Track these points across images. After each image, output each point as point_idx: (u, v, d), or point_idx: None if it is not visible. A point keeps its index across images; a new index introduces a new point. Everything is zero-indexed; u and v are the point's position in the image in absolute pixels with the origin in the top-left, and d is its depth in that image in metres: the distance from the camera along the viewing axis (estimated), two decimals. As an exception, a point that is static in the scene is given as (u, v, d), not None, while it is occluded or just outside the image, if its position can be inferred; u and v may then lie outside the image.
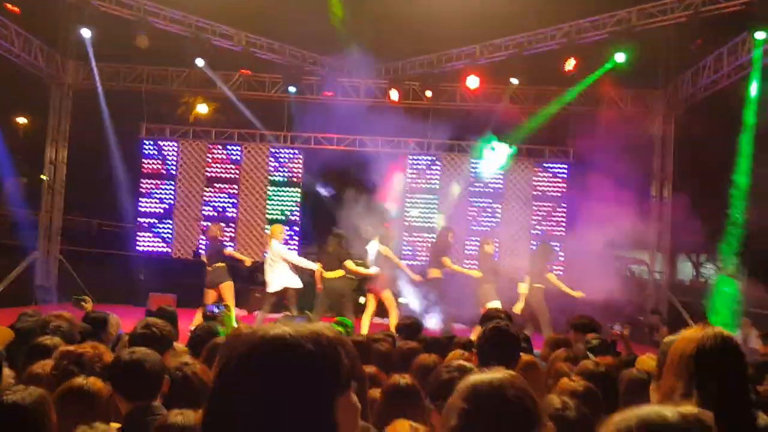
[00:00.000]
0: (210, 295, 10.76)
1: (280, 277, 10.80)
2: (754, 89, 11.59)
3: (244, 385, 1.19)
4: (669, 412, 1.30)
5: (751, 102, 11.69)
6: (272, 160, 15.52)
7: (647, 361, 4.23)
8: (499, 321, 3.27)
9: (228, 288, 10.80)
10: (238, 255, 12.16)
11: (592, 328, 5.61)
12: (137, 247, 15.53)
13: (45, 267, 15.13)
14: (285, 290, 10.80)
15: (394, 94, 14.75)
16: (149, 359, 3.28)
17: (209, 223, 12.21)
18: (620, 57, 12.67)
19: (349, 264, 10.63)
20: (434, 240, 11.43)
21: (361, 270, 10.67)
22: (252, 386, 1.18)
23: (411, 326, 5.83)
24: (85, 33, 12.70)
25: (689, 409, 1.34)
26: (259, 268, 14.41)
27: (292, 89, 14.76)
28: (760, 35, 10.44)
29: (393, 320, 10.41)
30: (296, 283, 10.82)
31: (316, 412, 1.19)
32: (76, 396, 3.06)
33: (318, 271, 10.76)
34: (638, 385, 3.11)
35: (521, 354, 3.38)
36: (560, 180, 15.19)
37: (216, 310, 5.49)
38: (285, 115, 15.56)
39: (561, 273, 13.74)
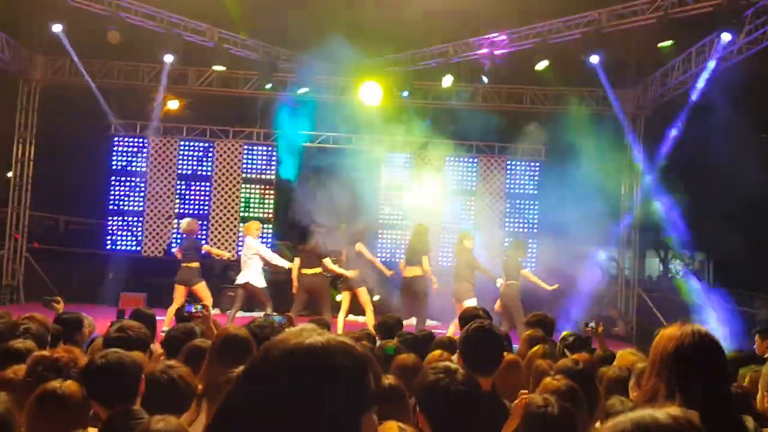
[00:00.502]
0: (180, 292, 10.64)
1: (247, 272, 10.77)
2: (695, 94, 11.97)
3: (270, 394, 1.16)
4: (661, 414, 1.33)
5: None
6: (246, 156, 15.42)
7: (628, 356, 4.30)
8: (482, 320, 3.29)
9: (203, 288, 10.72)
10: (215, 251, 12.06)
11: (545, 324, 5.67)
12: (107, 246, 15.30)
13: (11, 266, 14.86)
14: (251, 289, 10.74)
15: (368, 92, 14.72)
16: (124, 362, 3.22)
17: (186, 219, 11.93)
18: (594, 59, 12.88)
19: (327, 262, 10.59)
20: (411, 238, 11.37)
21: (337, 269, 10.64)
22: (278, 396, 1.16)
23: (390, 325, 5.83)
24: (56, 28, 12.43)
25: (680, 411, 1.37)
26: (232, 266, 14.36)
27: (267, 86, 14.68)
28: (726, 36, 10.67)
29: (369, 319, 10.42)
30: (260, 282, 10.77)
31: (341, 428, 1.17)
32: (50, 401, 2.99)
33: (295, 268, 10.69)
34: (619, 382, 3.16)
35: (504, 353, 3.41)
36: (532, 178, 15.33)
37: (193, 310, 5.42)
38: (258, 111, 15.47)
39: (534, 269, 13.90)
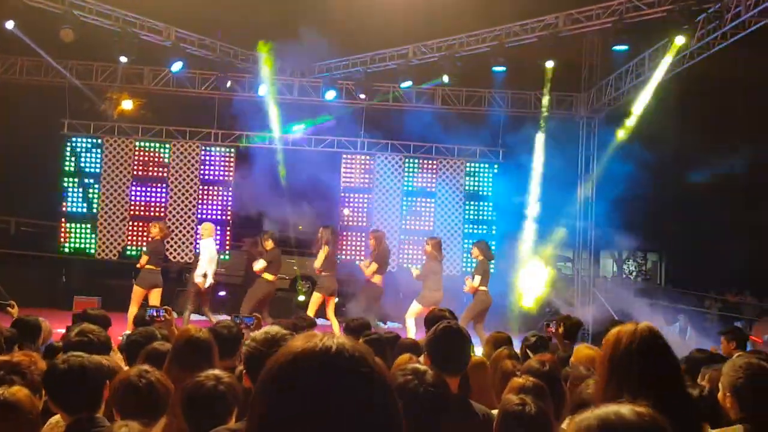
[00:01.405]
0: (140, 294, 10.61)
1: (209, 275, 10.98)
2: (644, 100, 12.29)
3: (322, 400, 1.17)
4: (626, 410, 1.35)
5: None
6: (203, 158, 15.22)
7: (584, 350, 4.39)
8: (449, 321, 3.32)
9: (159, 293, 10.75)
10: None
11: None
12: (60, 248, 14.93)
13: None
14: (197, 288, 10.91)
15: (328, 93, 14.72)
16: (87, 367, 3.14)
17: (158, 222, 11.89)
18: (550, 64, 13.09)
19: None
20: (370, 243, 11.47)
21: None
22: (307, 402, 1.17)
23: (357, 327, 5.82)
24: (9, 25, 12.05)
25: (645, 408, 1.39)
26: (187, 269, 14.19)
27: (227, 85, 14.52)
28: (680, 40, 10.96)
29: (333, 322, 10.49)
30: (205, 282, 10.98)
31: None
32: None
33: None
34: (582, 381, 3.22)
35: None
36: (490, 179, 15.49)
37: (155, 313, 5.33)
38: (216, 112, 15.28)
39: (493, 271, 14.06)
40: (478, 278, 10.48)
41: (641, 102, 12.90)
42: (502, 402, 2.81)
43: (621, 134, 13.71)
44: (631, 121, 13.39)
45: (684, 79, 12.71)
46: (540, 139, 14.57)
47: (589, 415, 1.37)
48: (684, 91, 13.65)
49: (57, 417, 3.17)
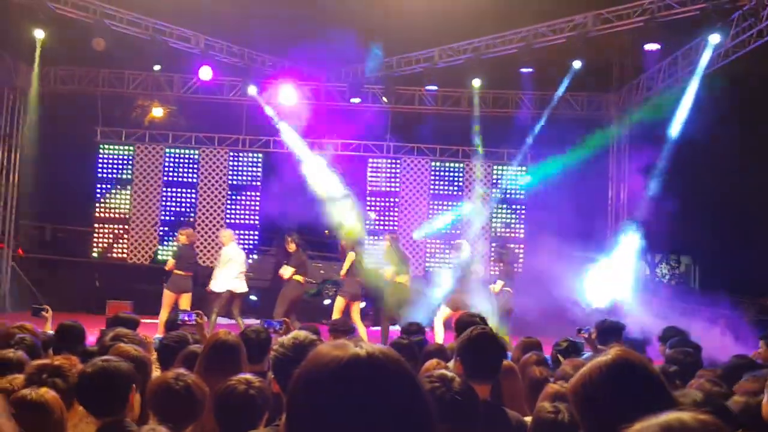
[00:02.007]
0: (170, 298, 10.70)
1: (224, 279, 10.96)
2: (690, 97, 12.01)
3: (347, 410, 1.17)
4: (689, 417, 1.34)
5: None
6: (231, 163, 15.35)
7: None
8: (483, 326, 3.28)
9: (189, 297, 10.82)
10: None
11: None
12: (93, 253, 15.17)
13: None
14: (231, 294, 10.88)
15: (353, 98, 14.75)
16: (120, 370, 3.16)
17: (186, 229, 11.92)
18: (577, 64, 12.92)
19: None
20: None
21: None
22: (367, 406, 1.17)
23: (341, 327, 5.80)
24: (38, 34, 12.26)
25: (706, 414, 1.37)
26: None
27: (251, 92, 14.61)
28: (714, 38, 10.74)
29: (359, 327, 10.48)
30: (241, 287, 11.05)
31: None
32: (24, 407, 2.92)
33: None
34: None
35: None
36: (520, 183, 15.36)
37: (186, 318, 5.37)
38: (244, 118, 15.40)
39: (521, 274, 13.94)
40: (500, 283, 10.52)
41: (674, 102, 12.69)
42: (536, 409, 2.76)
43: (653, 133, 13.48)
44: (663, 121, 13.16)
45: (719, 78, 12.46)
46: (569, 140, 14.32)
47: (649, 423, 1.36)
48: (719, 89, 13.39)
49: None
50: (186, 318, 5.30)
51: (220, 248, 14.73)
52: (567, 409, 2.59)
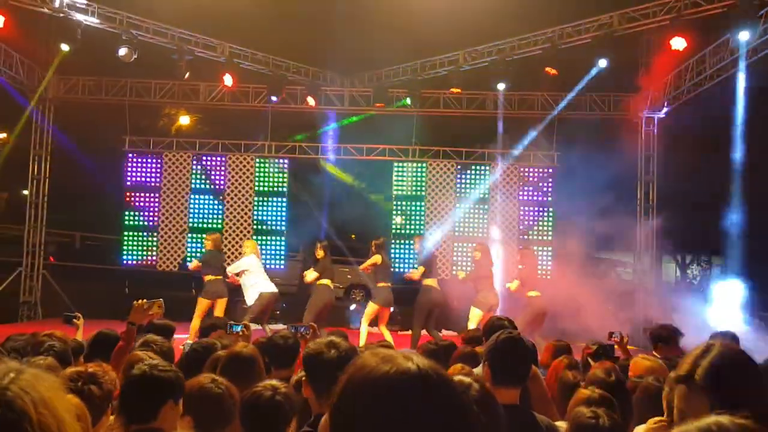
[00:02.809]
0: (205, 306, 10.77)
1: (254, 288, 10.88)
2: (741, 84, 11.68)
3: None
4: (727, 421, 1.32)
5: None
6: (257, 169, 15.44)
7: (641, 362, 4.23)
8: (511, 330, 3.23)
9: (224, 303, 10.89)
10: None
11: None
12: (122, 261, 15.35)
13: (29, 282, 14.93)
14: (262, 298, 10.81)
15: (377, 102, 14.76)
16: (157, 379, 3.15)
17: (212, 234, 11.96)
18: (603, 63, 12.75)
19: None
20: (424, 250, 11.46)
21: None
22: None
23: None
24: (64, 46, 12.42)
25: (745, 418, 1.35)
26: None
27: (274, 98, 14.70)
28: (743, 35, 10.52)
29: (386, 333, 10.47)
30: (269, 287, 10.92)
31: None
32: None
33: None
34: (652, 393, 3.09)
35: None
36: (546, 184, 15.23)
37: (236, 330, 5.34)
38: (269, 124, 15.50)
39: (549, 277, 13.85)
40: (516, 282, 10.54)
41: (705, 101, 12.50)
42: (574, 414, 2.71)
43: (683, 133, 13.29)
44: (694, 120, 12.97)
45: (750, 75, 12.24)
46: (595, 141, 14.19)
47: (689, 427, 1.35)
48: (750, 88, 13.15)
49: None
50: (236, 330, 5.25)
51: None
52: (606, 414, 2.54)
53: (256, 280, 10.88)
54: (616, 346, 5.84)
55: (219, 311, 10.57)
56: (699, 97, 13.19)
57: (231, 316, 13.40)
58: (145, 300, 4.90)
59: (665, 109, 14.49)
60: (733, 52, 11.53)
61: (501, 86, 13.60)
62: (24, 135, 14.94)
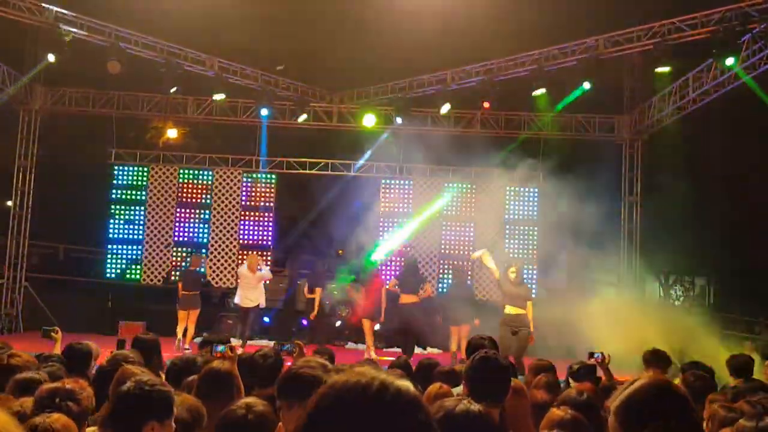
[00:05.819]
0: (183, 315, 12.05)
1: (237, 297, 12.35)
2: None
3: None
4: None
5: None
6: (245, 184, 15.43)
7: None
8: (487, 350, 3.27)
9: (195, 314, 12.16)
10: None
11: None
12: (106, 274, 15.24)
13: (11, 295, 14.79)
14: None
15: (367, 119, 14.79)
16: (136, 397, 3.11)
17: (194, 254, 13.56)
18: (587, 85, 12.90)
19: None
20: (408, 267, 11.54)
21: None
22: None
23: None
24: (50, 57, 12.40)
25: None
26: (230, 293, 14.37)
27: (264, 113, 14.73)
28: (729, 61, 10.70)
29: (370, 346, 10.52)
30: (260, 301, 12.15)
31: None
32: None
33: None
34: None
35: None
36: (531, 203, 15.33)
37: (220, 350, 5.33)
38: (257, 139, 15.51)
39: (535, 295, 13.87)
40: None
41: (686, 124, 12.67)
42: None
43: (666, 156, 13.45)
44: (676, 143, 13.15)
45: (730, 100, 12.43)
46: (580, 161, 14.31)
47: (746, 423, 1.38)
48: (731, 112, 13.35)
49: None
50: (219, 350, 5.21)
51: (233, 269, 14.95)
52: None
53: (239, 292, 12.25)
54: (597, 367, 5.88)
55: (191, 320, 11.96)
56: (681, 120, 13.37)
57: (211, 328, 13.41)
58: None
59: (648, 132, 14.69)
60: (716, 77, 11.72)
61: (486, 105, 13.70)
62: (9, 146, 14.86)
